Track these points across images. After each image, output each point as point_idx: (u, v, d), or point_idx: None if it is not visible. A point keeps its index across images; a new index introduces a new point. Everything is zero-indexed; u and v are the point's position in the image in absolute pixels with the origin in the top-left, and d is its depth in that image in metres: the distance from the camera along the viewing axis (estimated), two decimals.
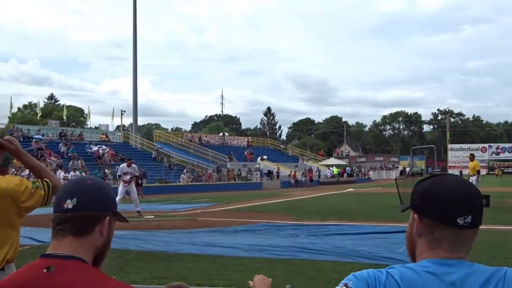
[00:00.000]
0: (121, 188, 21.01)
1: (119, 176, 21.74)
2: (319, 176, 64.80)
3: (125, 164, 21.81)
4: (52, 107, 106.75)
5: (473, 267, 1.66)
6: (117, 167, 25.46)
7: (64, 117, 62.03)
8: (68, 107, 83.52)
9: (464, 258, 1.69)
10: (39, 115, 60.48)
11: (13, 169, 30.19)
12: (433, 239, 1.70)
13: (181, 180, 47.18)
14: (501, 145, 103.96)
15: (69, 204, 1.85)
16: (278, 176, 57.82)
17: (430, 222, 1.71)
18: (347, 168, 75.79)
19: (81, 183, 1.93)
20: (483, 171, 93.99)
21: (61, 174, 33.06)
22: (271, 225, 16.73)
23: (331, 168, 71.27)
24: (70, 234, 1.84)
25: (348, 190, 44.88)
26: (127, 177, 21.04)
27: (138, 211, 20.55)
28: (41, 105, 74.33)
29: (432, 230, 1.70)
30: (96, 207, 1.89)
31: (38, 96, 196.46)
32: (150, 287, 2.29)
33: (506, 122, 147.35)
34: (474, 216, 1.68)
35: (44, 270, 1.74)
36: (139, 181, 36.29)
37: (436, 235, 1.70)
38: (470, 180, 23.51)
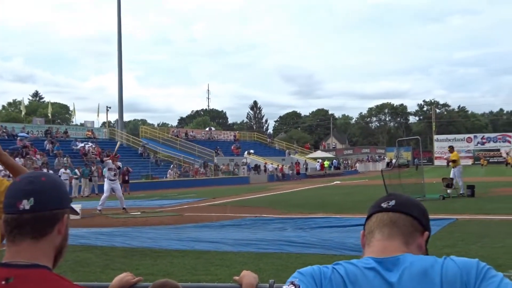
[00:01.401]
0: (106, 185, 21.06)
1: (102, 161, 21.80)
2: (306, 169, 64.85)
3: (109, 160, 21.73)
4: (36, 105, 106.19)
5: (409, 260, 1.68)
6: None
7: (49, 114, 61.59)
8: (53, 104, 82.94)
9: (401, 249, 1.74)
10: (23, 113, 60.14)
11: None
12: (369, 235, 1.83)
13: (168, 175, 47.07)
14: (486, 135, 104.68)
15: (25, 204, 1.70)
16: (266, 170, 57.82)
17: (367, 223, 1.87)
18: (334, 160, 75.89)
19: (36, 180, 1.77)
20: (469, 161, 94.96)
21: (61, 172, 32.99)
22: (258, 219, 16.74)
23: (319, 160, 71.36)
24: (29, 238, 1.71)
25: (335, 182, 45.02)
26: (112, 174, 21.03)
27: (124, 208, 20.64)
28: (26, 102, 73.93)
29: (368, 227, 1.85)
30: (54, 206, 1.76)
31: (22, 93, 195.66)
32: (138, 285, 2.25)
33: (491, 112, 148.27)
34: (398, 201, 1.83)
35: (3, 282, 1.62)
36: (126, 178, 36.24)
37: (369, 228, 1.83)
38: (452, 172, 23.80)
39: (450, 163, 24.93)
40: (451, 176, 24.00)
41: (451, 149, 25.66)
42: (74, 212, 1.91)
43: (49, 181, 1.79)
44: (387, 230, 1.77)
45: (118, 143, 24.95)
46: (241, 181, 50.84)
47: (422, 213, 1.83)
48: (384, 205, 1.83)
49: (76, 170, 35.65)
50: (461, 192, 23.28)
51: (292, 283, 1.69)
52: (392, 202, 1.82)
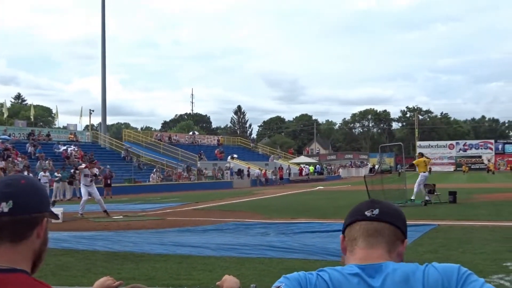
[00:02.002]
0: (83, 190, 20.97)
1: (76, 169, 21.61)
2: (289, 174, 64.94)
3: (85, 168, 21.60)
4: (19, 107, 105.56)
5: (391, 267, 1.71)
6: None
7: (32, 117, 61.11)
8: (36, 106, 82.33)
9: (384, 256, 1.76)
10: (5, 115, 59.55)
11: None
12: (351, 242, 1.83)
13: (150, 179, 46.91)
14: (468, 141, 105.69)
15: (4, 207, 1.66)
16: (249, 175, 57.82)
17: (348, 229, 1.87)
18: (317, 166, 76.06)
19: (15, 183, 1.73)
20: (451, 168, 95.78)
21: (41, 175, 32.72)
22: (241, 224, 16.71)
23: (306, 166, 71.71)
24: (7, 241, 1.67)
25: (318, 188, 45.11)
26: (88, 180, 20.91)
27: (105, 211, 20.43)
28: (8, 104, 73.25)
29: (350, 234, 1.85)
30: (34, 210, 1.72)
31: (4, 95, 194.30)
32: None
33: (473, 119, 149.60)
34: (382, 210, 1.83)
35: None
36: (108, 181, 36.03)
37: (352, 235, 1.84)
38: (419, 177, 23.93)
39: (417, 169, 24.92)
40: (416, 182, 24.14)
41: (420, 155, 25.94)
42: (54, 216, 1.88)
43: (29, 184, 1.76)
44: (372, 239, 1.79)
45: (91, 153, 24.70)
46: (224, 185, 50.79)
47: (403, 222, 1.86)
48: (368, 213, 1.82)
49: (56, 173, 35.27)
50: (411, 198, 23.18)
51: None
52: (376, 211, 1.82)
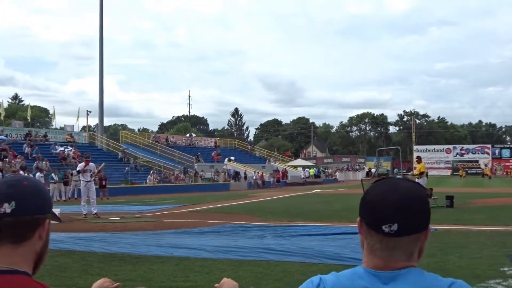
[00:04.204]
0: (83, 189, 20.80)
1: (78, 171, 21.39)
2: (287, 177, 64.85)
3: (83, 163, 21.40)
4: (16, 107, 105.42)
5: (411, 279, 1.59)
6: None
7: (29, 118, 60.97)
8: (33, 107, 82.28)
9: (401, 267, 1.62)
10: (2, 115, 59.46)
11: None
12: (368, 244, 1.66)
13: (147, 181, 46.80)
14: (465, 146, 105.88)
15: (6, 208, 1.64)
16: (246, 177, 57.77)
17: (366, 227, 1.66)
18: (314, 169, 76.04)
19: (17, 184, 1.71)
20: (448, 172, 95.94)
21: (38, 175, 32.58)
22: (238, 226, 16.70)
23: (307, 169, 71.84)
24: (8, 242, 1.66)
25: (315, 191, 45.07)
26: (88, 176, 20.66)
27: (95, 213, 20.24)
28: (5, 105, 73.15)
29: (367, 235, 1.66)
30: (36, 211, 1.71)
31: (1, 96, 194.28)
32: None
33: (470, 124, 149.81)
34: (402, 225, 1.58)
35: None
36: (103, 183, 35.88)
37: (369, 241, 1.65)
38: (422, 180, 24.02)
39: (414, 171, 24.99)
40: None
41: (419, 159, 26.10)
42: (56, 218, 1.87)
43: (31, 186, 1.75)
44: (391, 251, 1.62)
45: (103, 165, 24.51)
46: (221, 187, 50.71)
47: (427, 219, 1.65)
48: (386, 229, 1.58)
49: (53, 175, 35.11)
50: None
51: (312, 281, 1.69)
52: (395, 227, 1.57)
